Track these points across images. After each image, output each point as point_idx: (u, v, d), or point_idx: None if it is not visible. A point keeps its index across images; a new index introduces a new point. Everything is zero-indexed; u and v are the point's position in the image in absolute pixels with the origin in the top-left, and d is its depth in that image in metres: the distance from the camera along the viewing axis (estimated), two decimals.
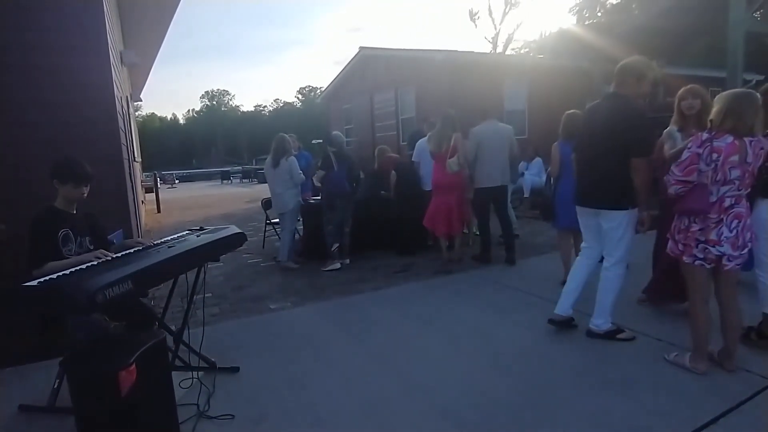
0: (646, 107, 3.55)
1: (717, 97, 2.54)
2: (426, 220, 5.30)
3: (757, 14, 9.09)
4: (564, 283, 3.44)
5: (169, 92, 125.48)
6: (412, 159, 5.98)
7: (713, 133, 2.42)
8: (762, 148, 2.43)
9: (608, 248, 3.10)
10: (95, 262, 2.37)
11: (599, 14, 24.43)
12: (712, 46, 10.45)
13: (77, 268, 2.26)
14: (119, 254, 2.58)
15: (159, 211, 12.86)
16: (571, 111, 4.31)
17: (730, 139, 2.39)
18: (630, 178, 2.86)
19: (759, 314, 2.92)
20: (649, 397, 2.45)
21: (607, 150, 2.92)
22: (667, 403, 2.39)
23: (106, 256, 2.47)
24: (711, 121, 2.48)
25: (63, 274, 2.14)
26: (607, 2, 24.47)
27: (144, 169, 17.50)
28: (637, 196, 2.89)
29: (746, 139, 2.39)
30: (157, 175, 17.52)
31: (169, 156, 56.22)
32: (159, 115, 73.04)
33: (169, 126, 72.59)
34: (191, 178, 37.43)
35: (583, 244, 3.34)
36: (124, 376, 1.84)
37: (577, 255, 3.79)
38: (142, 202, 11.19)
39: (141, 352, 1.94)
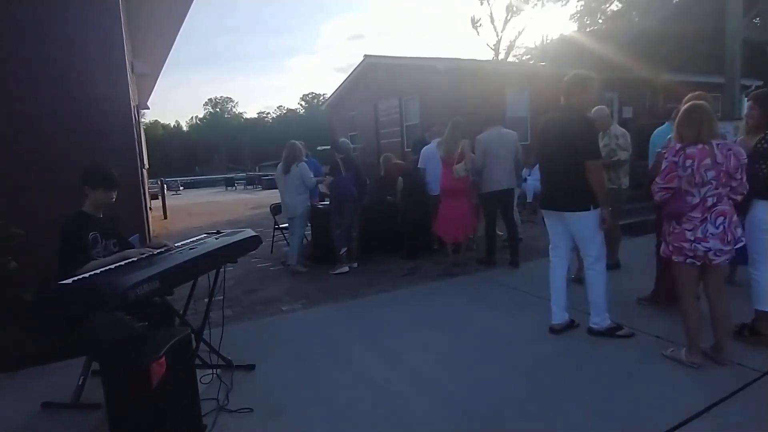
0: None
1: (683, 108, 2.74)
2: (439, 229, 5.41)
3: (756, 20, 9.19)
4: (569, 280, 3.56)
5: (173, 100, 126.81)
6: (418, 165, 6.12)
7: (684, 142, 2.62)
8: (729, 150, 2.60)
9: (584, 249, 3.30)
10: (122, 263, 2.52)
11: (600, 21, 24.65)
12: (712, 52, 10.57)
13: (107, 268, 2.40)
14: (144, 255, 2.73)
15: (165, 218, 13.00)
16: None
17: (700, 145, 2.59)
18: (588, 180, 3.08)
19: (752, 312, 3.04)
20: (647, 389, 2.57)
21: (564, 157, 3.14)
22: (663, 394, 2.52)
23: (148, 253, 2.70)
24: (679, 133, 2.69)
25: (94, 273, 2.28)
26: (608, 9, 24.68)
27: (149, 177, 17.65)
28: (596, 197, 3.09)
29: (713, 142, 2.59)
30: (163, 182, 17.66)
31: (172, 163, 56.55)
32: (162, 122, 73.55)
33: (173, 133, 72.93)
34: (195, 185, 37.61)
35: (550, 246, 3.50)
36: (155, 368, 1.96)
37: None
38: (150, 208, 11.33)
39: (169, 347, 2.07)
